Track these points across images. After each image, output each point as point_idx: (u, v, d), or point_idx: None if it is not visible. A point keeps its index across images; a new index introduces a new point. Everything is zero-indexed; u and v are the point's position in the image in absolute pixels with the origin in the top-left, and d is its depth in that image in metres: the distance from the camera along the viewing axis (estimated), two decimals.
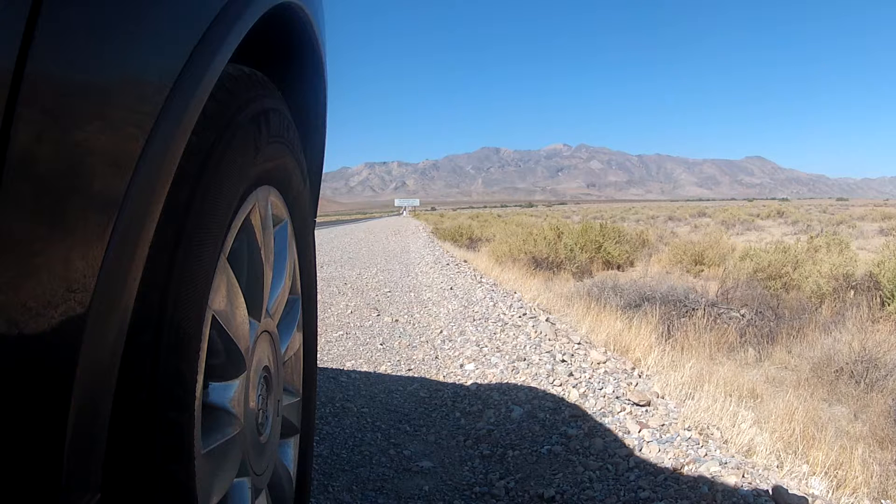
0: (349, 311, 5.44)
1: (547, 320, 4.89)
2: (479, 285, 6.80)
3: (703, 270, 13.14)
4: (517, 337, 4.22)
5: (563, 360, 3.69)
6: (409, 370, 3.64)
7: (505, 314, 5.04)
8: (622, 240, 16.24)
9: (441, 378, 3.50)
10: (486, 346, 4.02)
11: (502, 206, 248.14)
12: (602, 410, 2.97)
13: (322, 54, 1.36)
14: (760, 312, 8.12)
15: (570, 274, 13.14)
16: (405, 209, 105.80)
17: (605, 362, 3.94)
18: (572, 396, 3.12)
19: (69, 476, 0.55)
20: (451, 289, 6.63)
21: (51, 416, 0.53)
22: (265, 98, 1.00)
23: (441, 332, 4.66)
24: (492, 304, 5.54)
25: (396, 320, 5.09)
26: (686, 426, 3.07)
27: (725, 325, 7.98)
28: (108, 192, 0.57)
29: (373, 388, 3.23)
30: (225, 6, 0.75)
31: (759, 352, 7.28)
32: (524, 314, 4.99)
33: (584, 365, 3.69)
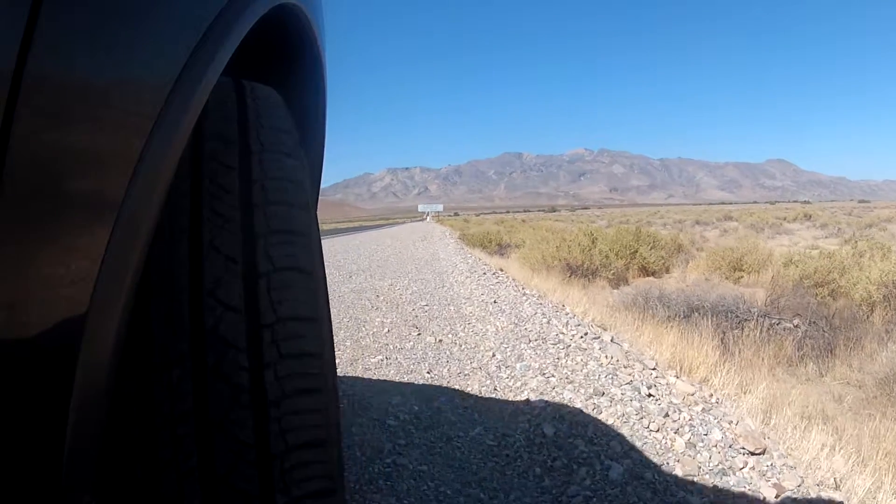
0: (385, 329, 4.88)
1: (612, 341, 4.28)
2: (525, 298, 6.20)
3: (742, 277, 12.59)
4: (586, 363, 3.61)
5: (650, 395, 3.09)
6: (465, 407, 3.06)
7: (563, 333, 4.44)
8: (657, 245, 15.75)
9: (505, 418, 2.91)
10: (553, 376, 3.42)
11: (525, 211, 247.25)
12: (720, 467, 2.36)
13: (322, 56, 1.34)
14: (814, 322, 7.51)
15: (605, 281, 12.57)
16: (429, 214, 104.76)
17: (692, 394, 3.33)
18: (678, 446, 2.51)
19: (69, 476, 0.56)
20: (495, 302, 6.03)
21: (51, 416, 0.54)
22: None
23: (494, 354, 4.07)
24: (545, 320, 4.94)
25: (440, 340, 4.51)
26: (817, 481, 2.48)
27: (780, 337, 7.38)
28: (108, 192, 0.56)
29: (427, 435, 2.65)
30: (224, 8, 0.73)
31: (818, 366, 6.70)
32: (585, 333, 4.38)
33: (674, 401, 3.08)
